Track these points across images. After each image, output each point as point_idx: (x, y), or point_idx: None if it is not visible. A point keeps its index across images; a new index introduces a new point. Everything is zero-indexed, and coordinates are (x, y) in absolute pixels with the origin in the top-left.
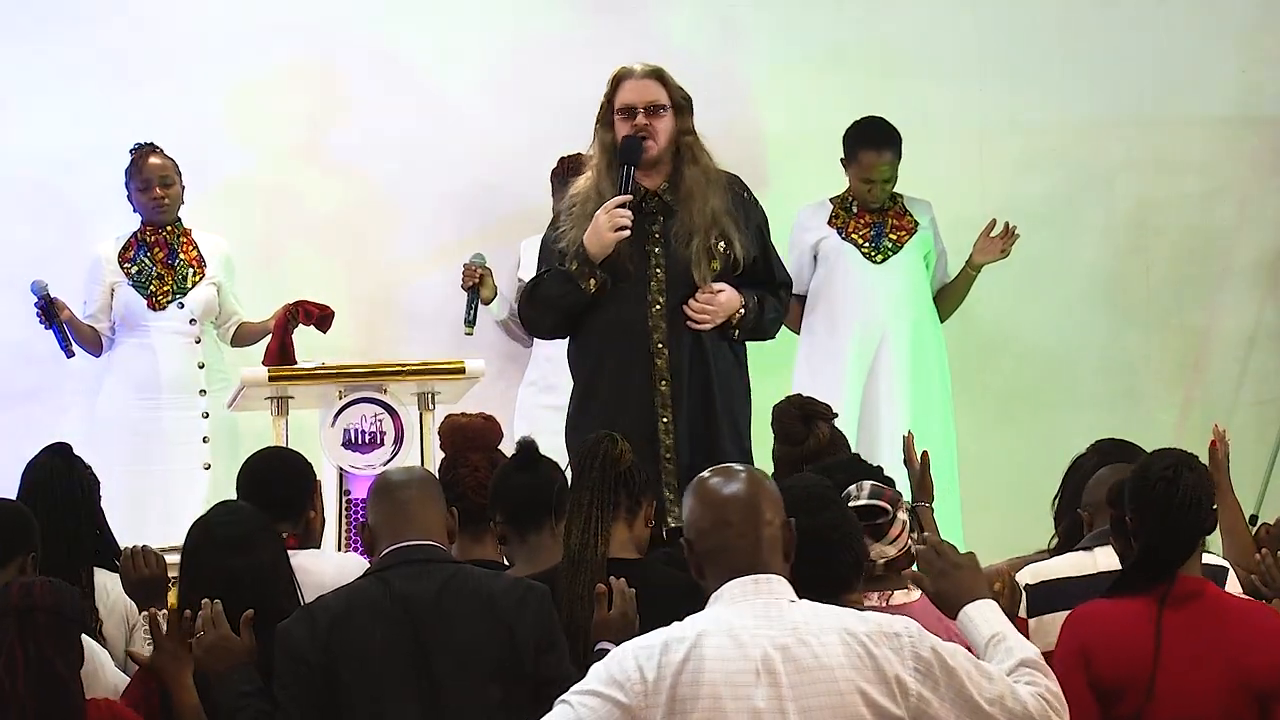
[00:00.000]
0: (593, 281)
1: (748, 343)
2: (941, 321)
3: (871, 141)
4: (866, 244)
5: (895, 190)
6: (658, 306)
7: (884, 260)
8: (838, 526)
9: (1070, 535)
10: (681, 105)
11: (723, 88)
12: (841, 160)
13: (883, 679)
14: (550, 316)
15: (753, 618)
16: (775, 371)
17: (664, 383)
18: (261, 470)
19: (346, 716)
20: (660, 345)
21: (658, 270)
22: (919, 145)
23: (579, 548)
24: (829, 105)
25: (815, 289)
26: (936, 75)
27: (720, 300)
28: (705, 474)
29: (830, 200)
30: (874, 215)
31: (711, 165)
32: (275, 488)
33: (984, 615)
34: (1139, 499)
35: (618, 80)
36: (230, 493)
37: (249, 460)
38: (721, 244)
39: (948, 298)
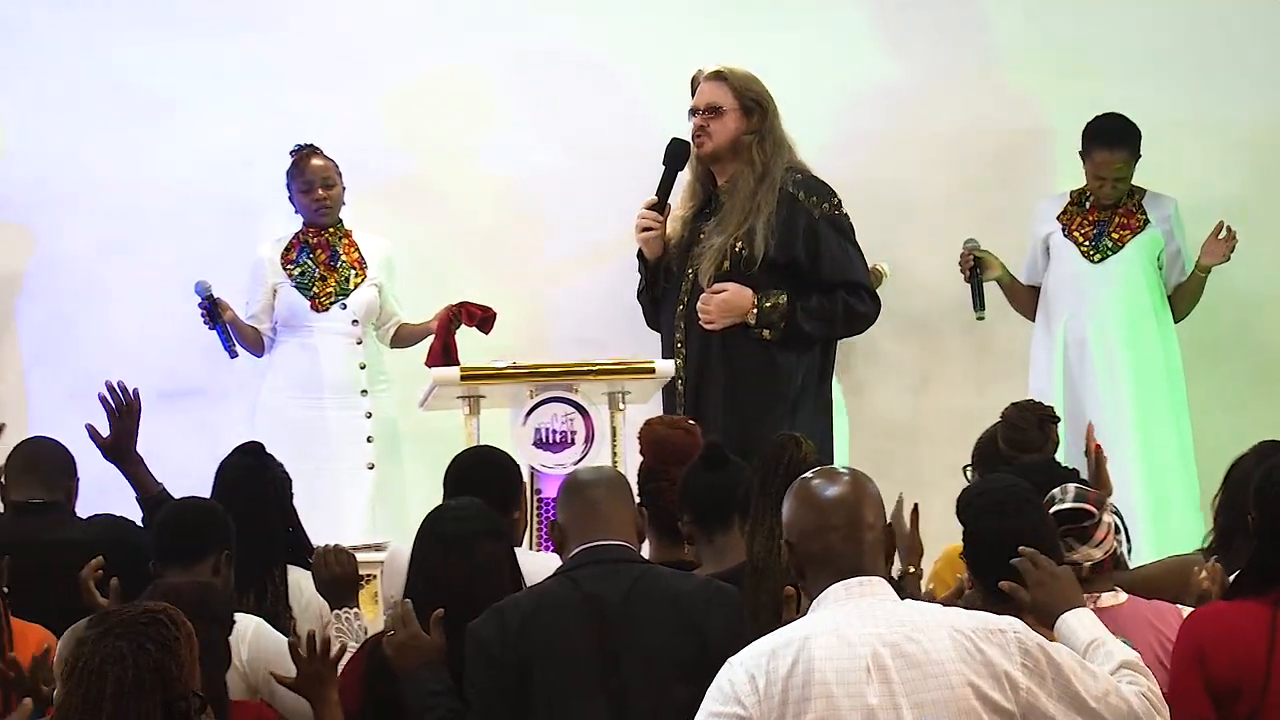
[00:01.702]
0: (651, 282)
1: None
2: (1177, 321)
3: (1104, 139)
4: (1086, 242)
5: (1138, 185)
6: (681, 307)
7: (1101, 260)
8: (1034, 529)
9: (1226, 534)
10: (749, 107)
11: (894, 87)
12: (1080, 153)
13: (993, 674)
14: (647, 314)
15: (858, 617)
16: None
17: (680, 382)
18: (473, 469)
19: (535, 715)
20: (680, 345)
21: (690, 271)
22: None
23: (763, 554)
24: (1004, 104)
25: (1045, 283)
26: (1117, 74)
27: (718, 300)
28: (808, 475)
29: (1070, 193)
30: (1101, 213)
31: (771, 165)
32: (487, 487)
33: (1082, 622)
34: (1260, 499)
35: (694, 83)
36: (395, 492)
37: (458, 459)
38: (739, 244)
39: (1183, 298)
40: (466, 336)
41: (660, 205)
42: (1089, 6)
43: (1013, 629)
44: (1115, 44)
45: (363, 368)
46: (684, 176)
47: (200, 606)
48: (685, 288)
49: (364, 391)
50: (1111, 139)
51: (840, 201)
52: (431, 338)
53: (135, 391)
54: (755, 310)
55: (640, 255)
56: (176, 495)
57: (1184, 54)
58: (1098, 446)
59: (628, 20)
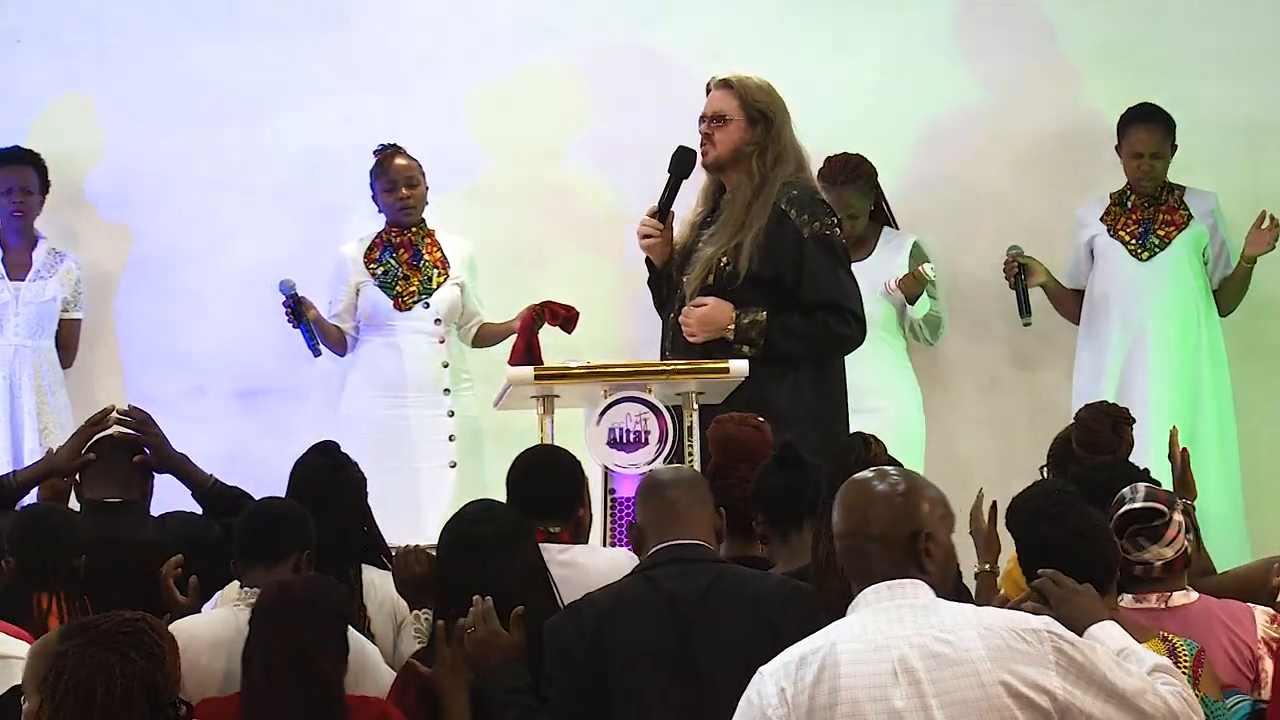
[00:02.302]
0: (657, 289)
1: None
2: (1223, 315)
3: (1139, 117)
4: (1133, 241)
5: (1176, 183)
6: (672, 316)
7: (1150, 257)
8: (1083, 532)
9: None
10: (755, 117)
11: (986, 85)
12: (1116, 148)
13: (1026, 672)
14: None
15: (886, 621)
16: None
17: None
18: (535, 468)
19: (612, 712)
20: (667, 355)
21: (683, 280)
22: (1188, 141)
23: (826, 555)
24: (1099, 102)
25: (1091, 286)
26: (1205, 72)
27: (698, 313)
28: (856, 476)
29: (1110, 195)
30: (1145, 211)
31: (770, 178)
32: (549, 485)
33: (1109, 634)
34: None
35: (707, 90)
36: (478, 490)
37: (521, 458)
38: (725, 258)
39: (1228, 291)
40: (549, 335)
41: (662, 213)
42: (1163, 9)
43: (1047, 628)
44: (1187, 46)
45: (445, 366)
46: (700, 180)
47: (315, 600)
48: (680, 298)
49: (446, 390)
50: (1146, 116)
51: (836, 221)
52: (514, 337)
53: (132, 407)
54: (734, 326)
55: (648, 261)
56: (249, 494)
57: (1254, 55)
58: (1184, 451)
59: (711, 21)
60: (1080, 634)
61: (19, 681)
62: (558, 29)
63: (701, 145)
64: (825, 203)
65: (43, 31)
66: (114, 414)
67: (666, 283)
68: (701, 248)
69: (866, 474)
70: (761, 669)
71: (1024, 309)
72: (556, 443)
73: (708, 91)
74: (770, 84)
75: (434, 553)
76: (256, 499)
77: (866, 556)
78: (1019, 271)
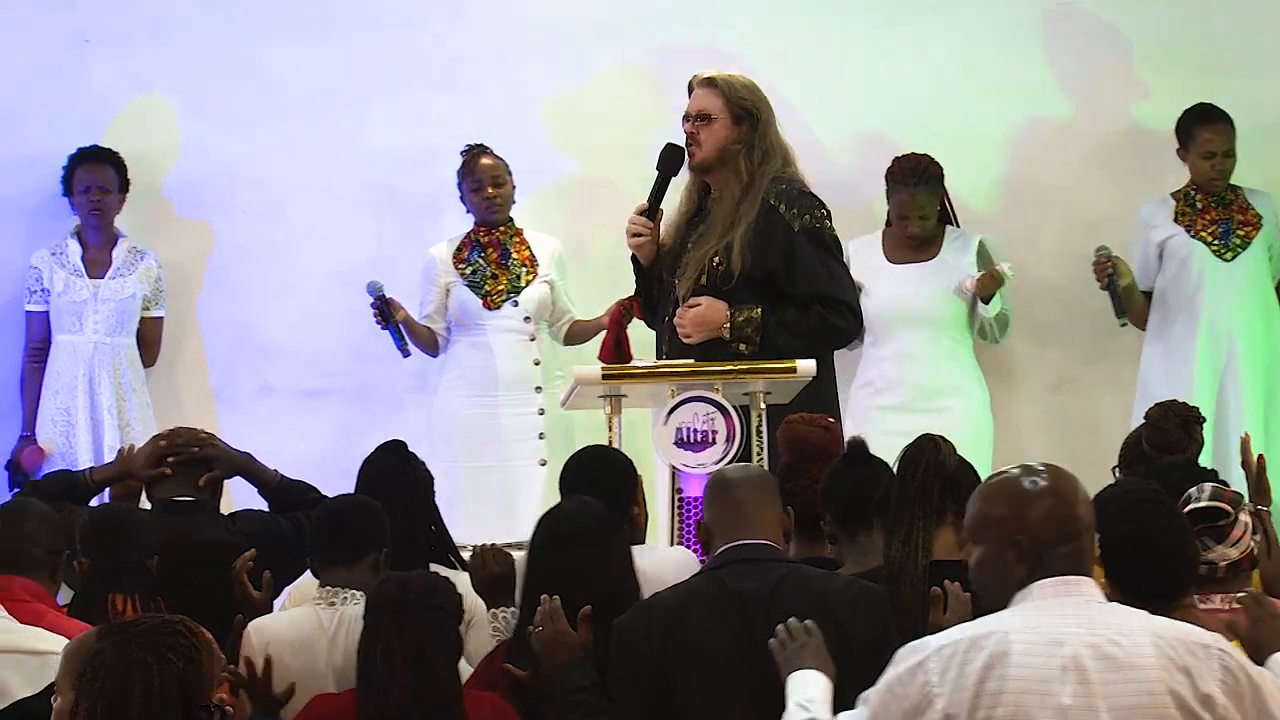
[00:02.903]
0: (643, 290)
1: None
2: None
3: (1206, 116)
4: (1215, 241)
5: (1233, 182)
6: (668, 317)
7: (1234, 257)
8: (1167, 532)
9: None
10: (739, 115)
11: (1051, 86)
12: (1178, 151)
13: (1192, 686)
14: (644, 319)
15: (1060, 616)
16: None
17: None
18: (585, 469)
19: (679, 711)
20: (665, 356)
21: (675, 282)
22: (1250, 142)
23: (899, 559)
24: (1163, 104)
25: (1162, 287)
26: (1267, 72)
27: (692, 314)
28: (1014, 471)
29: (1171, 195)
30: (1219, 210)
31: (757, 176)
32: (599, 486)
33: None
34: None
35: (689, 89)
36: None
37: (572, 459)
38: (716, 258)
39: None
40: (638, 331)
41: (651, 212)
42: (1226, 9)
43: (1217, 645)
44: (1249, 47)
45: (535, 364)
46: (684, 179)
47: (433, 597)
48: (671, 299)
49: (537, 388)
50: (1213, 116)
51: (826, 215)
52: (604, 333)
53: (172, 430)
54: (729, 325)
55: (635, 260)
56: (314, 487)
57: None
58: (1260, 457)
59: (778, 21)
60: (1266, 656)
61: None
62: (642, 28)
63: (688, 145)
64: (813, 195)
65: (115, 31)
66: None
67: (656, 285)
68: (692, 248)
69: (1021, 468)
70: (921, 644)
71: (1118, 308)
72: (625, 441)
73: (689, 91)
74: (754, 82)
75: (512, 552)
76: (323, 493)
77: (1053, 551)
78: (1111, 271)
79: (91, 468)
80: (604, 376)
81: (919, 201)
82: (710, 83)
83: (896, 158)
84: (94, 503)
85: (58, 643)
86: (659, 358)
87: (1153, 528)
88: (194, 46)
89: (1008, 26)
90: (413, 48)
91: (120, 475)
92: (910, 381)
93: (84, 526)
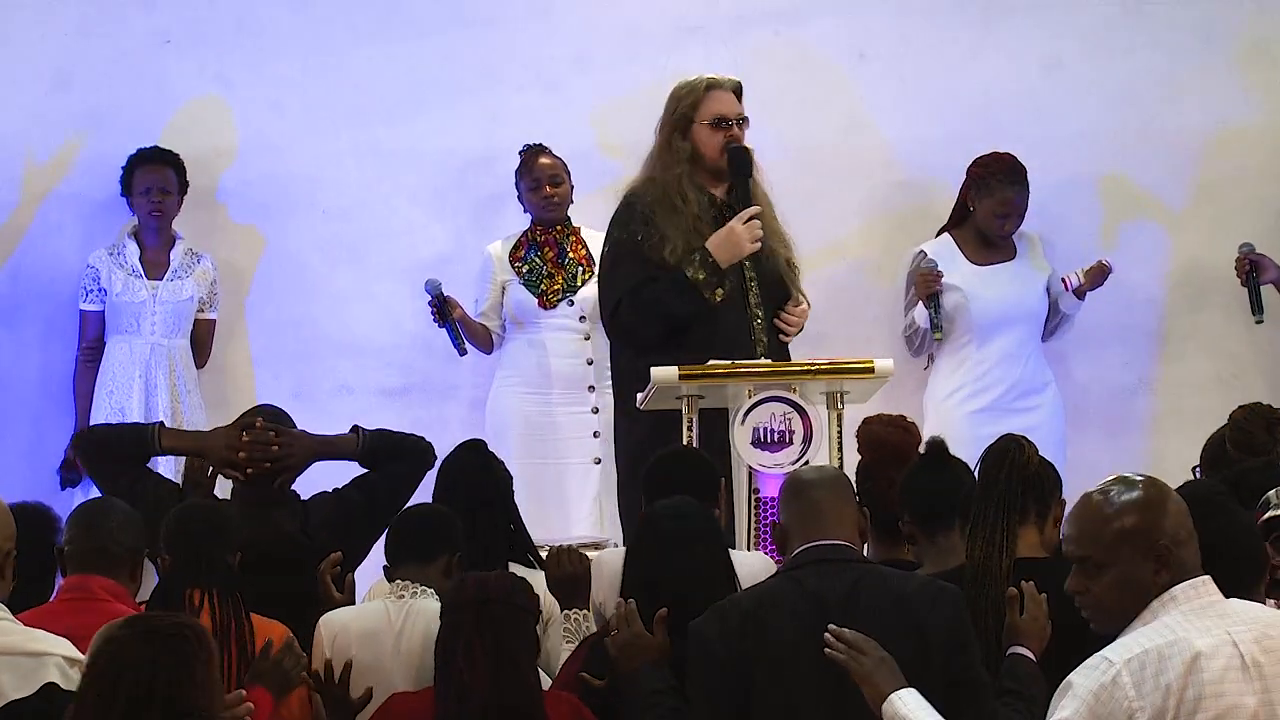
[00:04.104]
0: (719, 292)
1: None
2: None
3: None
4: None
5: None
6: (759, 320)
7: None
8: (1229, 534)
9: None
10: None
11: (1137, 85)
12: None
13: None
14: (660, 326)
15: (1218, 617)
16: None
17: None
18: (674, 469)
19: (756, 713)
20: (759, 356)
21: (753, 283)
22: None
23: (982, 559)
24: (1253, 102)
25: None
26: None
27: (805, 312)
28: (1116, 486)
29: None
30: None
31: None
32: (688, 486)
33: None
34: None
35: (707, 89)
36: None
37: (657, 460)
38: (789, 257)
39: None
40: None
41: (759, 214)
42: None
43: None
44: None
45: (590, 363)
46: (683, 176)
47: (513, 596)
48: (754, 300)
49: (591, 387)
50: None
51: None
52: None
53: (256, 419)
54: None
55: (710, 264)
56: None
57: None
58: None
59: (858, 21)
60: None
61: (54, 679)
62: (701, 31)
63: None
64: None
65: (190, 32)
66: (256, 442)
67: (719, 280)
68: (764, 248)
69: (1116, 479)
70: (1107, 655)
71: (1256, 306)
72: (679, 444)
73: (705, 91)
74: None
75: (588, 553)
76: (399, 433)
77: (1186, 557)
78: (1250, 268)
79: (162, 425)
80: (681, 377)
81: (1014, 201)
82: (740, 88)
83: (991, 156)
84: (161, 471)
85: (54, 644)
86: (741, 356)
87: (1213, 528)
88: (255, 49)
89: (1090, 26)
90: (476, 49)
91: (193, 452)
92: (1009, 380)
93: (168, 523)
